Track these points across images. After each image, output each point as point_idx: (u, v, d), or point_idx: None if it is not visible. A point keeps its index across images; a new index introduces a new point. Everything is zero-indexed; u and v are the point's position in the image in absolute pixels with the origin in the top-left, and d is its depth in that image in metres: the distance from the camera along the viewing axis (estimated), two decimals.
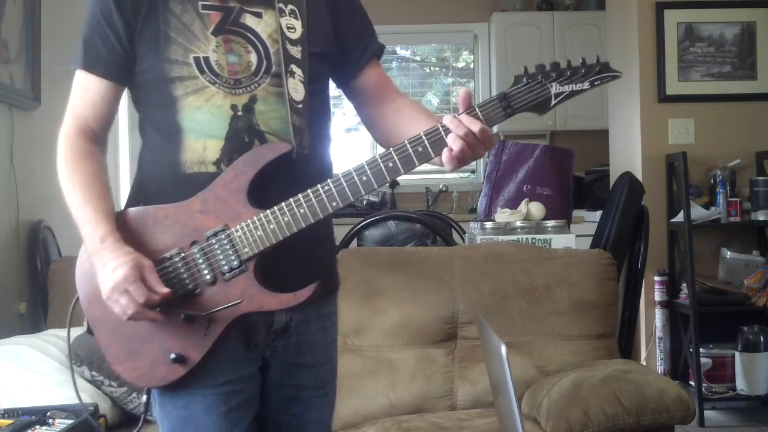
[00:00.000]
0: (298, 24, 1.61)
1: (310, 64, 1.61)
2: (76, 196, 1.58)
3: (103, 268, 1.50)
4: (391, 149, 1.50)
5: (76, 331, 2.69)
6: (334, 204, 1.50)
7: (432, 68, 7.09)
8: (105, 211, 1.55)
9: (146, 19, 1.55)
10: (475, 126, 1.46)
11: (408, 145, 1.49)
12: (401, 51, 6.98)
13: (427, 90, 7.00)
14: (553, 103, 1.47)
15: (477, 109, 1.47)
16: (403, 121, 1.66)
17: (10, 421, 2.10)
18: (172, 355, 1.52)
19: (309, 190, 1.50)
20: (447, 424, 2.49)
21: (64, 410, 2.20)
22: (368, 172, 1.49)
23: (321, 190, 1.50)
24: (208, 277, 1.52)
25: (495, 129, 6.61)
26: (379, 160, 1.49)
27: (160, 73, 1.55)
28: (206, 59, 1.55)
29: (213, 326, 1.52)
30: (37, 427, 2.09)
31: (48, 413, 2.16)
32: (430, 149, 1.48)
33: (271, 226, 1.50)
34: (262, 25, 1.59)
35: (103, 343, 1.59)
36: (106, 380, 2.54)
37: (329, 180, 1.51)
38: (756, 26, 4.56)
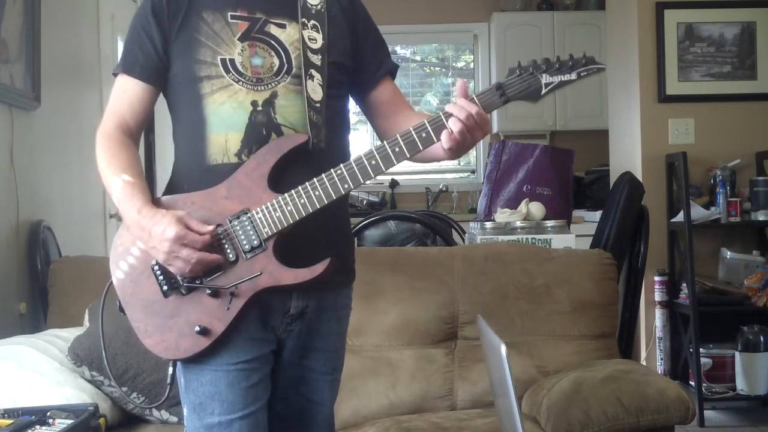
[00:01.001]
0: (319, 36, 1.78)
1: (329, 71, 1.77)
2: (114, 179, 1.70)
3: (150, 236, 1.63)
4: (397, 135, 1.65)
5: (77, 331, 2.69)
6: (346, 186, 1.65)
7: (432, 68, 7.09)
8: (141, 187, 1.69)
9: (181, 28, 1.73)
10: (473, 108, 1.60)
11: (412, 131, 1.64)
12: (401, 51, 6.98)
13: (427, 90, 7.00)
14: (543, 91, 1.63)
15: (475, 97, 1.63)
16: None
17: (10, 421, 2.10)
18: (197, 328, 1.65)
19: (323, 174, 1.65)
20: (447, 424, 2.49)
21: (64, 410, 2.19)
22: (377, 156, 1.64)
23: (333, 174, 1.65)
24: (231, 255, 1.66)
25: (495, 129, 6.58)
26: (386, 145, 1.64)
27: (190, 73, 1.72)
28: (232, 60, 1.71)
29: (235, 300, 1.65)
30: (37, 427, 2.09)
31: (48, 413, 2.16)
32: (432, 134, 1.63)
33: (289, 208, 1.64)
34: (285, 34, 1.75)
35: (134, 319, 1.71)
36: (106, 380, 2.54)
37: (341, 165, 1.65)
38: (756, 26, 4.56)
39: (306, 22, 1.76)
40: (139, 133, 1.81)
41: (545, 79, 1.62)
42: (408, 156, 1.65)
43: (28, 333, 2.87)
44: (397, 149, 1.63)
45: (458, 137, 1.61)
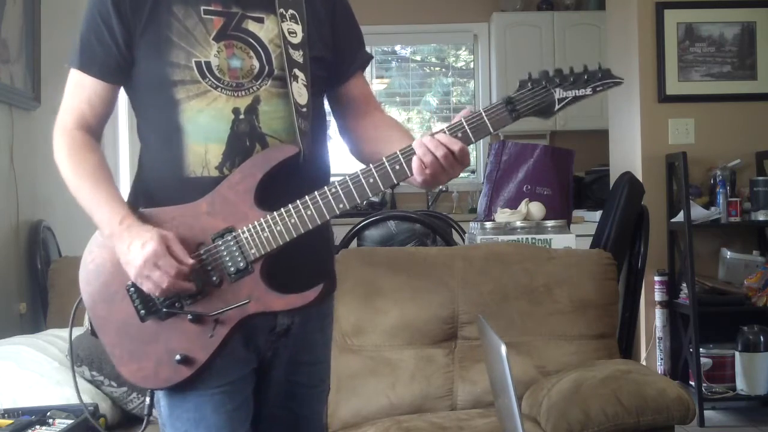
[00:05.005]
0: (298, 28, 1.64)
1: (312, 68, 1.64)
2: (84, 184, 1.57)
3: (128, 248, 1.50)
4: (397, 152, 1.52)
5: (77, 331, 2.69)
6: (341, 206, 1.52)
7: (432, 68, 7.09)
8: (117, 195, 1.57)
9: (148, 23, 1.56)
10: (455, 146, 1.48)
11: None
12: (401, 51, 6.98)
13: (427, 90, 7.00)
14: (557, 107, 1.50)
15: (482, 113, 1.50)
16: (379, 135, 1.69)
17: (10, 421, 2.10)
18: (178, 357, 1.52)
19: (316, 192, 1.52)
20: (447, 424, 2.49)
21: (64, 410, 2.20)
22: (375, 174, 1.52)
23: (328, 192, 1.52)
24: (214, 278, 1.54)
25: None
26: (385, 162, 1.52)
27: (162, 76, 1.56)
28: (208, 63, 1.56)
29: (219, 327, 1.53)
30: (37, 427, 2.09)
31: (48, 413, 2.16)
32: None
33: (278, 228, 1.52)
34: (263, 30, 1.61)
35: (107, 344, 1.59)
36: (106, 380, 2.54)
37: (335, 182, 1.53)
38: (756, 26, 4.56)
39: (284, 12, 1.63)
40: (101, 129, 1.66)
41: (558, 94, 1.50)
42: (409, 175, 1.52)
43: (28, 333, 2.88)
44: (397, 167, 1.51)
45: (429, 177, 1.49)
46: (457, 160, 1.49)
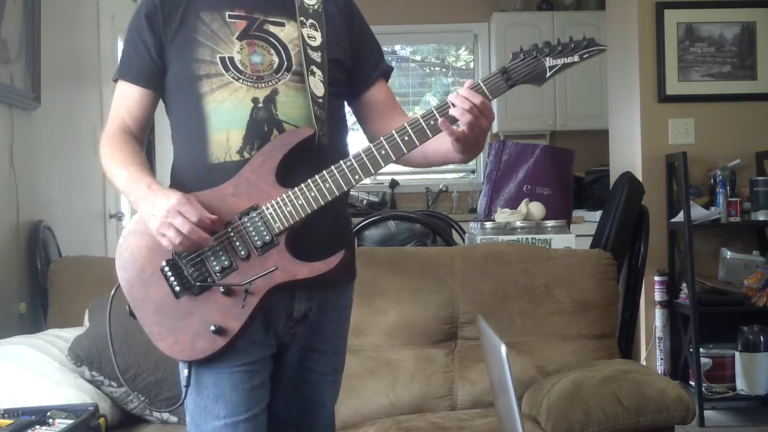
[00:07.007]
0: (317, 35, 1.78)
1: (330, 69, 1.78)
2: (119, 164, 1.71)
3: (153, 204, 1.62)
4: (405, 124, 1.65)
5: (76, 332, 2.69)
6: (357, 177, 1.65)
7: (432, 68, 7.09)
8: (148, 171, 1.71)
9: (178, 30, 1.73)
10: (476, 99, 1.61)
11: (421, 120, 1.64)
12: (401, 51, 6.98)
13: (427, 90, 7.00)
14: (548, 74, 1.64)
15: (481, 84, 1.64)
16: None
17: (10, 421, 2.10)
18: (213, 327, 1.63)
19: (333, 166, 1.65)
20: (447, 424, 2.49)
21: (64, 410, 2.19)
22: (386, 146, 1.65)
23: (344, 165, 1.65)
24: (242, 252, 1.65)
25: (495, 129, 6.57)
26: (395, 134, 1.65)
27: (189, 72, 1.72)
28: (231, 59, 1.71)
29: (250, 297, 1.64)
30: (37, 427, 2.09)
31: (48, 413, 2.16)
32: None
33: (299, 202, 1.64)
34: (284, 33, 1.76)
35: (145, 323, 1.69)
36: (106, 380, 2.54)
37: (350, 156, 1.66)
38: (756, 26, 4.56)
39: (304, 21, 1.77)
40: (142, 134, 1.81)
41: (549, 62, 1.63)
42: (417, 144, 1.64)
43: (28, 333, 2.87)
44: (406, 138, 1.63)
45: (466, 128, 1.61)
46: (482, 112, 1.61)
